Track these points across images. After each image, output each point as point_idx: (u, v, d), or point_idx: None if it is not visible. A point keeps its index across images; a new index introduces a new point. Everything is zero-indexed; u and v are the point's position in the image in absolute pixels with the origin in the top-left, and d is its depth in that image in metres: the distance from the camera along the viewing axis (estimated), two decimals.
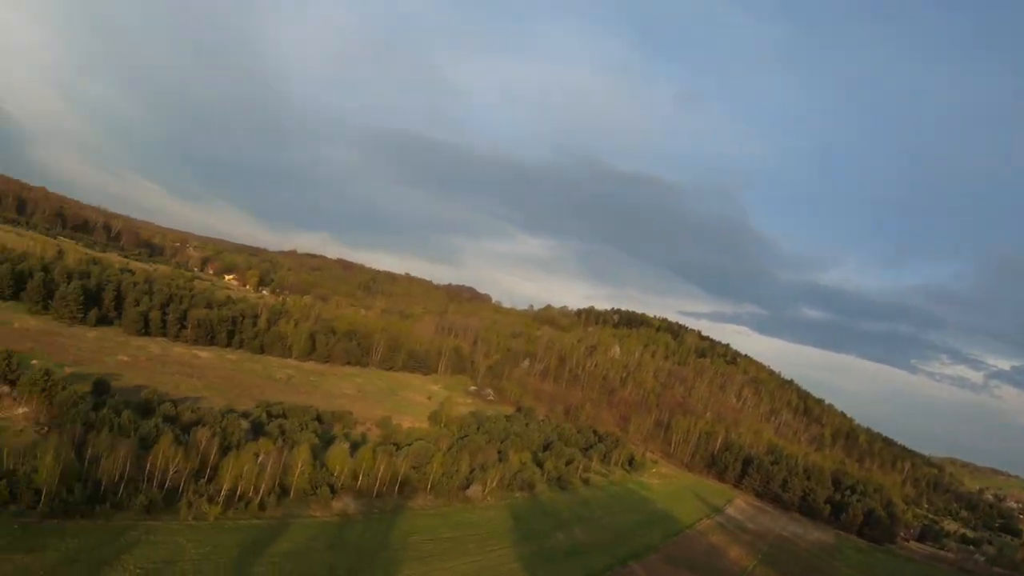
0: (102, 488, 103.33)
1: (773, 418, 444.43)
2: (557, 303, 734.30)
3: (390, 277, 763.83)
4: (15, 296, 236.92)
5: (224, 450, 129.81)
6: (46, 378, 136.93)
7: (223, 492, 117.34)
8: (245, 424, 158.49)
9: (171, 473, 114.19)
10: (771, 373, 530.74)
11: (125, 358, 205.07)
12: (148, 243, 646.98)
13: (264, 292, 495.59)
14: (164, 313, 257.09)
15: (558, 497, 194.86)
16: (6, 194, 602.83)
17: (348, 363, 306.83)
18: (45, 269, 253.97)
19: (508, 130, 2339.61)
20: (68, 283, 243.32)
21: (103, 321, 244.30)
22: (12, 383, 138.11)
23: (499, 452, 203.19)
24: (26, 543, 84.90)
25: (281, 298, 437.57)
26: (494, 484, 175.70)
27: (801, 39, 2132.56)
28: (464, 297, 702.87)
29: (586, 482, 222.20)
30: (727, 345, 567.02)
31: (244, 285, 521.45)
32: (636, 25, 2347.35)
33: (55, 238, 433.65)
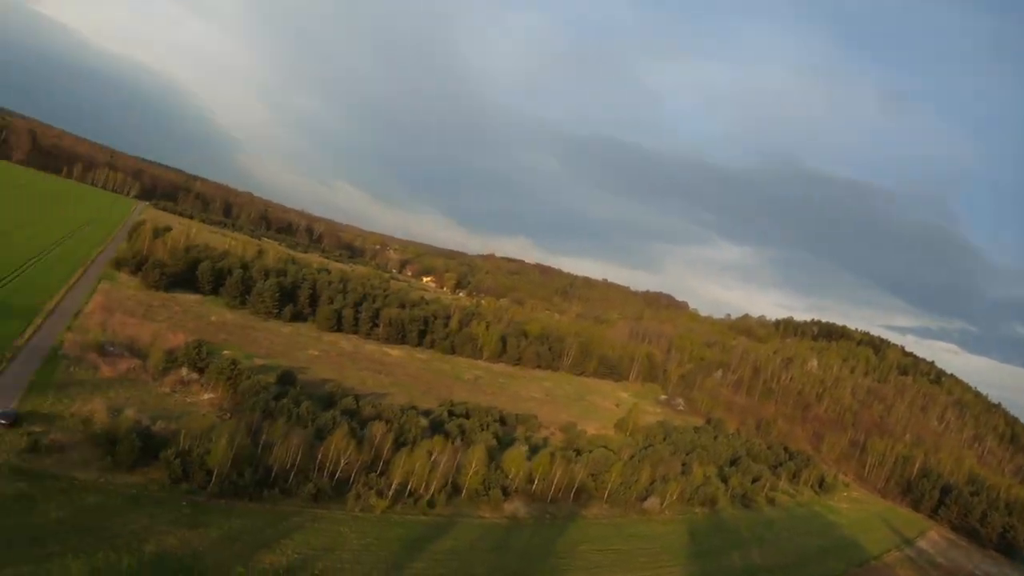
0: (273, 474, 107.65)
1: (976, 444, 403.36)
2: (754, 312, 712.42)
3: (588, 283, 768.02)
4: (214, 291, 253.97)
5: (398, 446, 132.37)
6: (232, 367, 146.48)
7: (393, 487, 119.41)
8: (424, 421, 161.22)
9: (342, 464, 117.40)
10: (977, 395, 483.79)
11: (315, 353, 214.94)
12: (349, 245, 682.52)
13: (460, 294, 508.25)
14: (357, 311, 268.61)
15: (740, 515, 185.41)
16: (214, 198, 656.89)
17: (538, 366, 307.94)
18: (244, 267, 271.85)
19: (706, 133, 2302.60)
20: (265, 280, 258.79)
21: (298, 317, 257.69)
22: (201, 371, 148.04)
23: (683, 464, 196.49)
24: (192, 519, 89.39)
25: (475, 300, 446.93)
26: (674, 497, 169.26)
27: (1014, 33, 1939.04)
28: (661, 304, 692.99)
29: (771, 502, 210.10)
30: (931, 363, 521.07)
31: (441, 287, 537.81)
32: (837, 22, 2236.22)
33: (259, 239, 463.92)
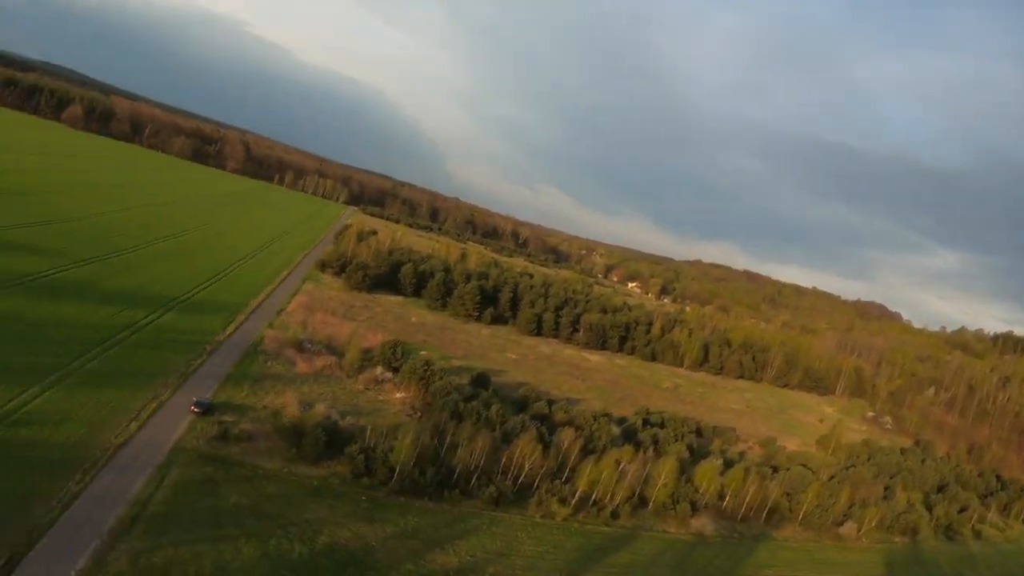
0: (455, 475, 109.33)
1: None
2: (972, 325, 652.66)
3: (796, 290, 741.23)
4: (416, 293, 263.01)
5: (586, 453, 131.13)
6: (425, 368, 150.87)
7: (577, 495, 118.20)
8: (615, 429, 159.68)
9: (527, 469, 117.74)
10: None
11: (513, 356, 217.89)
12: (555, 250, 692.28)
13: (665, 300, 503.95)
14: (558, 315, 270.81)
15: (942, 548, 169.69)
16: (421, 203, 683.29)
17: (740, 376, 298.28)
18: (446, 270, 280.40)
19: (917, 131, 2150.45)
20: (466, 283, 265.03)
21: (498, 320, 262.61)
22: (395, 370, 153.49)
23: (885, 489, 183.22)
24: (369, 514, 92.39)
25: (679, 307, 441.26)
26: (873, 524, 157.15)
27: None
28: (872, 314, 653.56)
29: (978, 535, 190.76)
30: None
31: (646, 293, 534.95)
32: None
33: (463, 243, 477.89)
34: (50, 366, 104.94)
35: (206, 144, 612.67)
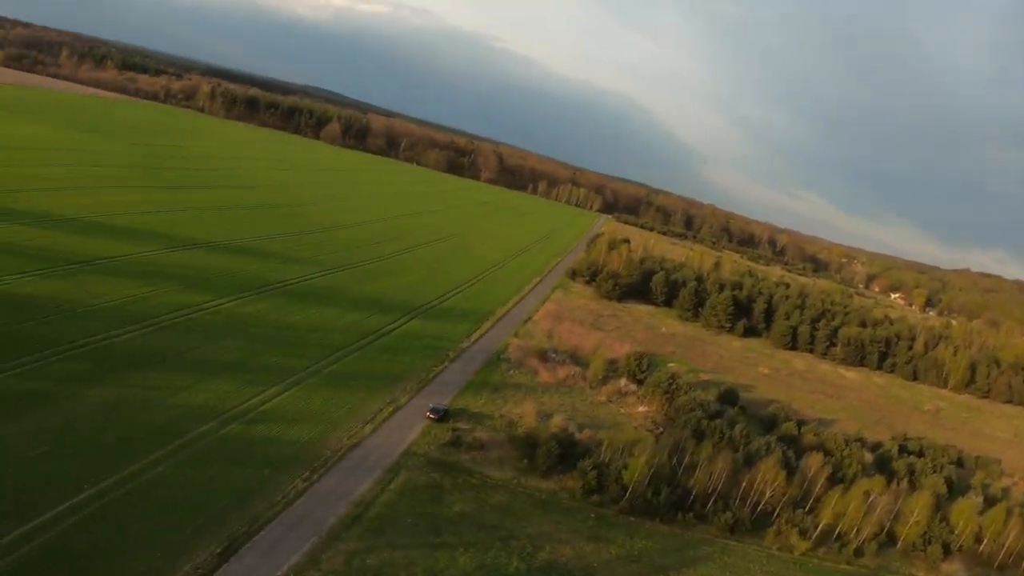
0: (691, 497, 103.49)
1: None
2: None
3: None
4: (667, 303, 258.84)
5: (834, 482, 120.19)
6: (670, 381, 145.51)
7: (819, 527, 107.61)
8: (868, 457, 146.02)
9: (768, 496, 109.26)
10: None
11: (765, 371, 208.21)
12: (813, 258, 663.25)
13: (930, 313, 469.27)
14: (814, 328, 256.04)
15: None
16: (675, 210, 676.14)
17: (1009, 401, 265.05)
18: (699, 279, 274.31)
19: None
20: (719, 293, 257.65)
21: (750, 332, 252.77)
22: (640, 382, 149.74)
23: None
24: (594, 533, 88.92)
25: (945, 321, 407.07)
26: None
27: None
28: None
29: None
30: None
31: (909, 304, 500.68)
32: None
33: (718, 251, 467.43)
34: (293, 367, 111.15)
35: (460, 156, 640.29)
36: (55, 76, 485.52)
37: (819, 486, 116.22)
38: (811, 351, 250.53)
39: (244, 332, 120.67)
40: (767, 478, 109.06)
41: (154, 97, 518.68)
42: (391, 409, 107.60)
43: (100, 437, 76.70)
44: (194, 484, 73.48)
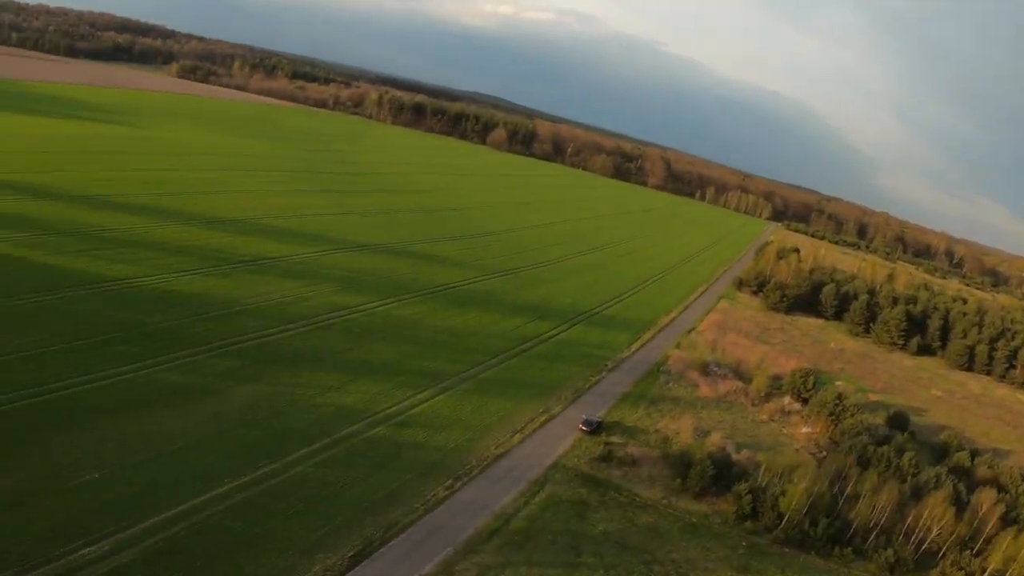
0: (851, 530, 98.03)
1: None
2: None
3: None
4: (837, 316, 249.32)
5: (1007, 522, 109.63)
6: (836, 402, 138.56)
7: (988, 572, 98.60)
8: None
9: (934, 534, 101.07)
10: None
11: (938, 393, 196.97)
12: (993, 271, 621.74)
13: None
14: (992, 348, 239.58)
15: None
16: (848, 218, 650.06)
17: None
18: (871, 292, 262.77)
19: None
20: (892, 307, 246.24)
21: (924, 350, 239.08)
22: (804, 401, 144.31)
23: None
24: (743, 563, 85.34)
25: None
26: None
27: None
28: None
29: None
30: None
31: None
32: None
33: (892, 262, 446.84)
34: (447, 371, 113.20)
35: (626, 161, 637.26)
36: (227, 86, 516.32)
37: (991, 525, 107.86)
38: (988, 373, 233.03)
39: (399, 334, 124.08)
40: (935, 514, 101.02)
41: (323, 105, 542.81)
42: (543, 419, 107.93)
43: (247, 433, 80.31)
44: (336, 484, 76.03)
